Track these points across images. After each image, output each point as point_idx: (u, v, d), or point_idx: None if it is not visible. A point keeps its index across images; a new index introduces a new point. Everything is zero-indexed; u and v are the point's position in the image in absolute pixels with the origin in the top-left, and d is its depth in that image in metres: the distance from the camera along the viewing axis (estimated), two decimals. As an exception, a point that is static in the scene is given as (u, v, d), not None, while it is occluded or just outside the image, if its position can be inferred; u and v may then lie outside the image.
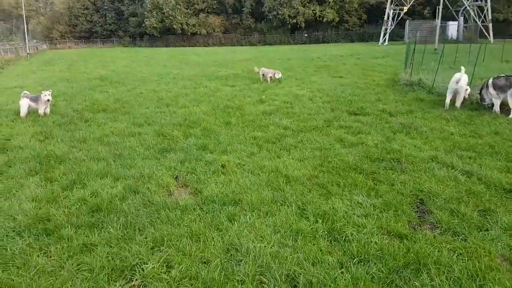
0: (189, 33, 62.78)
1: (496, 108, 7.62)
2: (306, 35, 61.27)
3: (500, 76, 7.63)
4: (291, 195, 4.08)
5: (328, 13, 58.34)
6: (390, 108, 8.30)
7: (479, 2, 43.84)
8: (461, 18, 46.85)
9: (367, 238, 3.23)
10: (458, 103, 8.03)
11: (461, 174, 4.55)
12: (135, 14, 66.47)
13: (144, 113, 8.56)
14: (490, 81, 7.66)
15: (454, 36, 45.58)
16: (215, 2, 63.20)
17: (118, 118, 8.11)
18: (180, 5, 61.45)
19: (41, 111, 8.28)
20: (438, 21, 31.30)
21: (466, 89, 8.21)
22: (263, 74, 13.61)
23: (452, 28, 46.77)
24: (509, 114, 7.26)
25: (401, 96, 9.73)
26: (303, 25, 59.59)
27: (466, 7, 44.96)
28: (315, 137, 6.29)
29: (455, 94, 8.11)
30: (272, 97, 10.20)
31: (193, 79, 14.97)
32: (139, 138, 6.53)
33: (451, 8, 48.95)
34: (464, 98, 8.24)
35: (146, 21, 61.88)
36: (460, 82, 7.89)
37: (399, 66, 17.20)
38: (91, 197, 4.10)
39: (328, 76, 14.35)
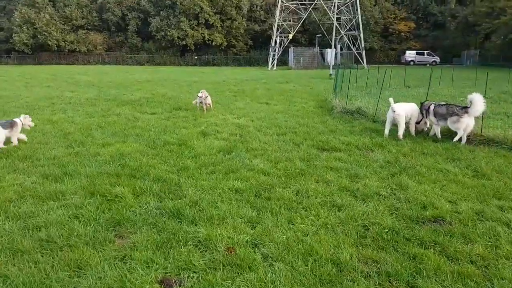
0: (66, 50, 56.11)
1: (437, 134, 7.64)
2: (196, 57, 60.58)
3: (442, 104, 7.62)
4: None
5: (216, 37, 58.87)
6: (353, 141, 7.48)
7: (353, 32, 49.09)
8: (338, 46, 51.76)
9: None
10: (400, 132, 7.67)
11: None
12: (0, 28, 56.82)
13: (53, 157, 6.10)
14: (432, 108, 7.61)
15: (333, 62, 49.93)
16: (97, 18, 58.07)
17: (18, 166, 5.54)
18: (55, 20, 54.74)
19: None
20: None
21: (423, 120, 8.01)
22: (201, 102, 11.14)
23: (331, 55, 51.23)
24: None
25: (348, 125, 9.10)
26: (192, 47, 58.77)
27: (342, 36, 49.82)
28: (311, 185, 4.99)
29: (397, 123, 7.83)
30: (213, 127, 8.61)
31: (96, 104, 12.32)
32: (66, 202, 4.31)
33: (327, 37, 53.89)
34: (417, 128, 8.07)
35: (14, 36, 53.35)
36: (396, 110, 7.60)
37: (310, 92, 17.23)
38: None
39: (254, 102, 13.31)
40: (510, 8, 43.00)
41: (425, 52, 58.93)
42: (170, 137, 7.60)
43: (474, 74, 20.55)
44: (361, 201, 4.54)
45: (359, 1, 48.47)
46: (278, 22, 46.81)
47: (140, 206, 4.29)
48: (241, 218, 4.02)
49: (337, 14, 48.28)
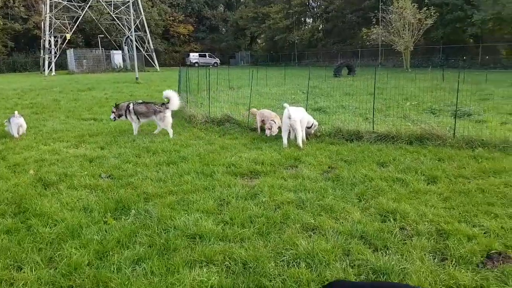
0: None
1: (136, 130, 7.95)
2: None
3: (140, 103, 8.02)
4: None
5: (-43, 38, 45.19)
6: (262, 158, 5.98)
7: (140, 33, 46.47)
8: (126, 48, 47.90)
9: None
10: (299, 141, 6.88)
11: None
12: None
13: None
14: (131, 106, 7.84)
15: (122, 65, 46.07)
16: None
17: None
18: None
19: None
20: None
21: (313, 124, 7.39)
22: (262, 120, 8.00)
23: (118, 57, 47.17)
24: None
25: (231, 138, 7.50)
26: None
27: (128, 37, 46.23)
28: (304, 241, 3.34)
29: (293, 130, 7.03)
30: (50, 168, 5.45)
31: None
32: None
33: (109, 37, 49.37)
34: (309, 134, 7.42)
35: None
36: (292, 116, 6.81)
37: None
38: None
39: (74, 120, 9.89)
40: (273, 13, 50.11)
41: (207, 54, 62.05)
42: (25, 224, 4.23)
43: (256, 73, 22.27)
44: (385, 250, 3.25)
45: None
46: (50, 20, 39.31)
47: None
48: None
49: (118, 14, 44.72)
